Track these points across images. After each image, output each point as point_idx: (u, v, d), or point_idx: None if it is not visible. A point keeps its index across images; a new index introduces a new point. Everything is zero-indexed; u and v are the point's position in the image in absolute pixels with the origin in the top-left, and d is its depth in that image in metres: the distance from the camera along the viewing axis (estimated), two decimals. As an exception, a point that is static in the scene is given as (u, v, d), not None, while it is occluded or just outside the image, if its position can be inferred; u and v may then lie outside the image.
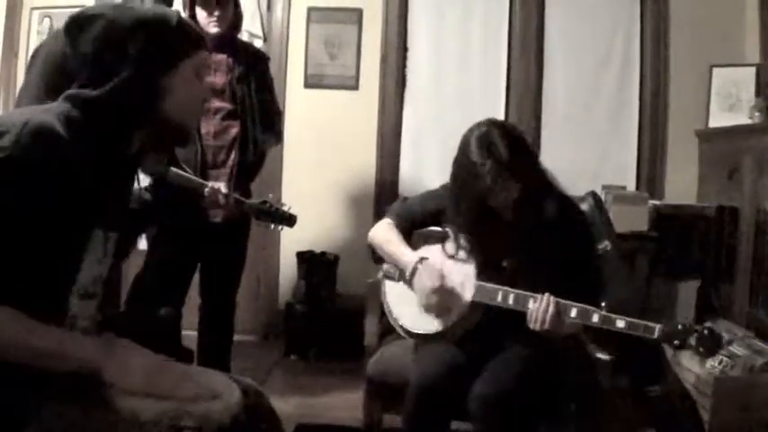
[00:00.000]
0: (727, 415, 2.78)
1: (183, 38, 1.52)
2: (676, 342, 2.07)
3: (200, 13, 3.06)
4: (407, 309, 2.45)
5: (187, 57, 1.52)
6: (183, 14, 3.07)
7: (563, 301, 2.19)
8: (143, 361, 1.41)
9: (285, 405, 3.23)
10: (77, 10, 1.52)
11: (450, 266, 2.40)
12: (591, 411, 2.39)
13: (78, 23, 1.48)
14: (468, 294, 2.34)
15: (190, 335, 3.29)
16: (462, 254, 2.39)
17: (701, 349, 2.06)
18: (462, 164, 2.32)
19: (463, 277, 2.37)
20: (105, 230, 1.51)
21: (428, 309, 2.38)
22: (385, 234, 2.55)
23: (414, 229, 2.54)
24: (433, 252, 2.46)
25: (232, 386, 1.50)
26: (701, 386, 2.90)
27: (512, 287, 2.28)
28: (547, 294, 2.19)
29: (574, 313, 2.18)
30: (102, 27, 1.45)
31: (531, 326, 2.19)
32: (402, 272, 2.47)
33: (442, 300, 2.35)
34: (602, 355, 2.41)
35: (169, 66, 1.49)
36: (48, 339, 1.31)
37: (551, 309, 2.17)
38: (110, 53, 1.44)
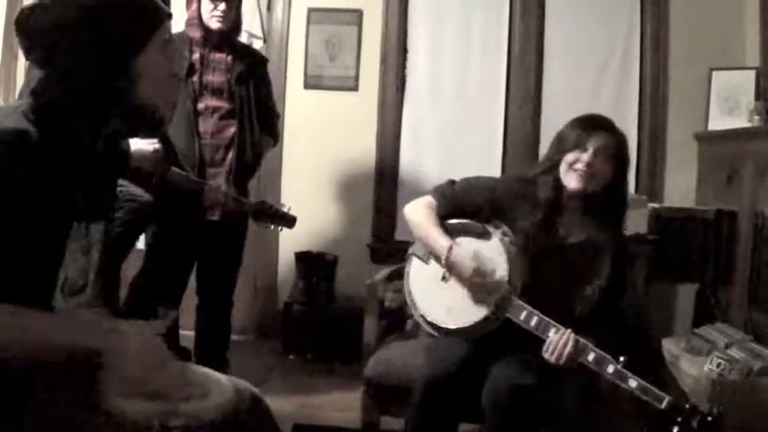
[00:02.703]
0: (725, 418, 2.78)
1: (142, 16, 1.45)
2: (679, 419, 2.04)
3: (206, 6, 3.06)
4: (429, 296, 2.43)
5: (151, 35, 1.44)
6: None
7: (583, 341, 2.16)
8: (143, 352, 1.37)
9: (283, 405, 3.22)
10: (27, 3, 1.44)
11: (486, 262, 2.36)
12: (590, 413, 2.39)
13: (30, 15, 1.41)
14: (491, 303, 2.30)
15: (187, 334, 3.30)
16: (502, 254, 2.34)
17: None
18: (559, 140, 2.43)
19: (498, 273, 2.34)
20: (87, 222, 1.48)
21: (472, 286, 2.32)
22: (424, 213, 2.47)
23: (456, 216, 2.47)
24: (468, 246, 2.40)
25: (224, 385, 1.49)
26: (699, 389, 2.90)
27: (542, 299, 2.26)
28: (569, 331, 2.17)
29: (590, 358, 2.15)
30: (57, 16, 1.38)
31: (546, 356, 2.18)
32: (434, 255, 2.43)
33: (481, 282, 2.31)
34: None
35: (134, 47, 1.43)
36: (43, 322, 1.30)
37: (569, 347, 2.15)
38: (65, 46, 1.38)
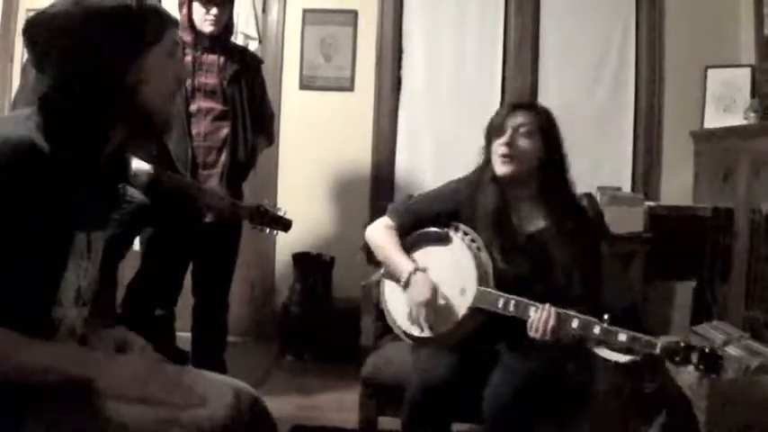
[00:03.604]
0: (723, 416, 2.78)
1: (149, 22, 1.44)
2: (677, 359, 2.05)
3: (198, 10, 3.05)
4: (405, 310, 2.43)
5: (157, 42, 1.44)
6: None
7: (564, 311, 2.16)
8: (133, 368, 1.40)
9: (281, 406, 3.22)
10: (33, 12, 1.45)
11: (451, 272, 2.37)
12: (588, 412, 2.39)
13: (34, 26, 1.41)
14: (466, 303, 2.31)
15: (184, 336, 3.29)
16: (469, 255, 2.36)
17: (701, 367, 2.05)
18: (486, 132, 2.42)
19: (464, 282, 2.34)
20: (89, 232, 1.47)
21: (418, 319, 2.35)
22: (382, 237, 2.51)
23: (415, 229, 2.50)
24: (433, 255, 2.43)
25: (224, 390, 1.49)
26: (697, 387, 2.90)
27: (518, 290, 2.27)
28: (548, 305, 2.17)
29: (575, 324, 2.16)
30: (60, 25, 1.38)
31: (532, 335, 2.17)
32: (397, 278, 2.45)
33: (432, 311, 2.32)
34: (618, 358, 2.39)
35: (138, 54, 1.42)
36: (36, 354, 1.30)
37: (552, 321, 2.15)
38: (72, 51, 1.38)
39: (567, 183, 2.43)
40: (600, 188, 4.01)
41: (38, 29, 1.41)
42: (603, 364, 2.52)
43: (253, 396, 1.56)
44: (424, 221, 2.49)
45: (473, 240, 2.38)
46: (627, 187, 4.37)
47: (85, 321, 1.52)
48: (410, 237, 2.49)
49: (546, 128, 2.38)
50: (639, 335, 2.10)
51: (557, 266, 2.31)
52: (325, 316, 4.21)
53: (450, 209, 2.46)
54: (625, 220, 3.75)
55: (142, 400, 1.35)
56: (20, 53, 4.57)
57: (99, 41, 1.38)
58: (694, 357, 2.04)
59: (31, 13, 1.46)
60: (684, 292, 4.00)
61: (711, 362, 2.05)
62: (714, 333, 3.20)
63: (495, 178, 2.39)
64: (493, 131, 2.40)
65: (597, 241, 2.44)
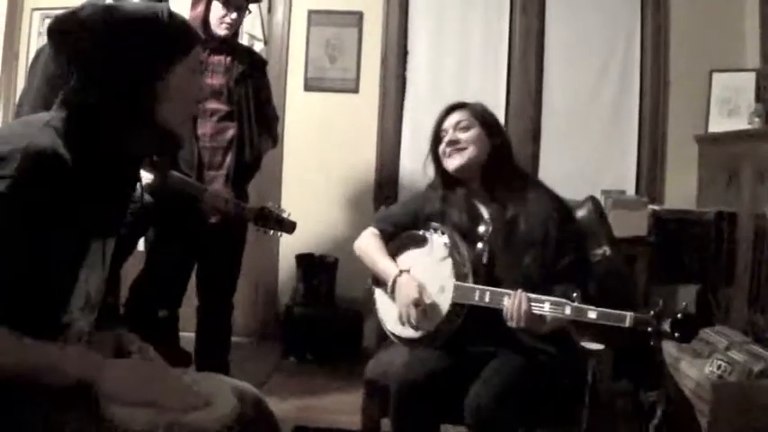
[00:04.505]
0: (726, 421, 2.78)
1: (176, 38, 1.44)
2: (649, 329, 2.04)
3: (216, 11, 3.02)
4: (395, 314, 2.45)
5: (181, 58, 1.44)
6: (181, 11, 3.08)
7: (535, 296, 2.18)
8: (134, 370, 1.40)
9: (284, 407, 3.23)
10: (60, 12, 1.44)
11: (431, 271, 2.40)
12: (587, 416, 2.39)
13: (61, 27, 1.41)
14: (447, 300, 2.33)
15: (188, 337, 3.29)
16: (442, 252, 2.39)
17: (676, 334, 2.03)
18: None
19: (443, 280, 2.36)
20: (103, 239, 1.48)
21: (408, 320, 2.36)
22: (367, 245, 2.57)
23: (397, 233, 2.55)
24: (414, 257, 2.47)
25: (228, 392, 1.49)
26: (700, 391, 2.90)
27: (493, 281, 2.29)
28: (519, 291, 2.18)
29: (547, 307, 2.17)
30: (89, 30, 1.38)
31: (509, 323, 2.19)
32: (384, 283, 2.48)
33: (420, 312, 2.34)
34: (592, 345, 2.39)
35: (163, 70, 1.42)
36: (39, 355, 1.30)
37: (524, 305, 2.16)
38: (100, 57, 1.37)
39: (515, 166, 2.53)
40: (604, 191, 4.01)
41: (67, 31, 1.40)
42: (596, 366, 2.52)
43: (256, 397, 1.57)
44: (403, 225, 2.55)
45: (448, 238, 2.40)
46: (631, 191, 4.37)
47: (92, 326, 1.52)
48: (392, 242, 2.55)
49: (482, 117, 2.50)
50: (609, 310, 2.09)
51: (529, 250, 2.32)
52: (328, 317, 4.22)
53: (420, 212, 2.53)
54: (629, 224, 3.75)
55: (144, 403, 1.35)
56: (25, 52, 4.59)
57: (127, 50, 1.37)
58: (666, 326, 2.03)
59: (58, 13, 1.45)
60: (688, 295, 3.99)
61: (686, 327, 2.02)
62: (717, 337, 3.19)
63: (448, 175, 2.47)
64: (435, 138, 2.51)
65: (561, 216, 2.42)
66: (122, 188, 1.58)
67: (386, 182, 4.51)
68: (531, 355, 2.29)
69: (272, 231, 3.10)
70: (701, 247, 3.90)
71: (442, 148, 2.46)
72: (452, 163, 2.44)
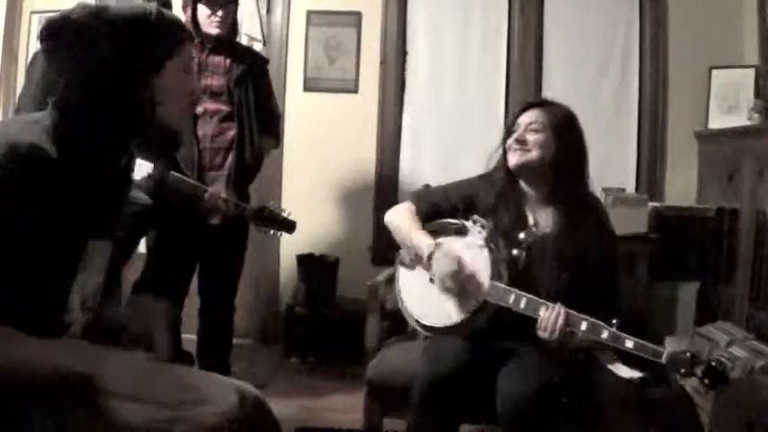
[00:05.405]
0: (727, 417, 2.78)
1: (165, 36, 1.44)
2: (683, 370, 2.04)
3: (203, 12, 3.03)
4: (420, 299, 2.43)
5: (173, 56, 1.44)
6: (172, 10, 3.07)
7: (574, 313, 2.16)
8: (135, 365, 1.40)
9: (285, 408, 3.22)
10: (51, 16, 1.44)
11: (468, 257, 2.37)
12: (594, 414, 2.38)
13: (52, 30, 1.41)
14: (486, 283, 2.31)
15: (190, 338, 3.29)
16: (484, 248, 2.35)
17: (705, 381, 2.03)
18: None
19: (480, 271, 2.34)
20: (100, 240, 1.48)
21: (448, 291, 2.33)
22: (403, 218, 2.53)
23: (433, 218, 2.52)
24: (449, 242, 2.43)
25: (228, 390, 1.48)
26: (701, 388, 2.90)
27: (524, 289, 2.27)
28: (558, 304, 2.17)
29: (584, 327, 2.16)
30: (81, 30, 1.38)
31: (540, 334, 2.18)
32: (418, 257, 2.43)
33: (461, 284, 2.32)
34: (622, 370, 2.39)
35: (154, 69, 1.42)
36: (38, 350, 1.30)
37: (561, 320, 2.15)
38: (91, 57, 1.38)
39: (580, 182, 2.49)
40: (604, 189, 4.00)
41: (58, 32, 1.40)
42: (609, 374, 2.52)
43: (257, 397, 1.56)
44: (442, 211, 2.52)
45: (489, 235, 2.38)
46: (631, 188, 4.37)
47: (89, 326, 1.52)
48: (428, 226, 2.50)
49: (557, 124, 2.44)
50: (646, 343, 2.09)
51: (569, 267, 2.32)
52: (329, 317, 4.21)
53: (468, 200, 2.50)
54: (629, 221, 3.74)
55: (144, 398, 1.34)
56: (24, 53, 4.60)
57: (117, 50, 1.38)
58: (699, 371, 2.03)
59: (49, 15, 1.45)
60: (689, 292, 4.00)
61: (716, 377, 2.03)
62: (718, 334, 3.19)
63: (509, 171, 2.45)
64: (507, 128, 2.49)
65: (610, 244, 2.45)
66: (115, 188, 1.57)
67: (385, 181, 4.51)
68: (554, 357, 2.26)
69: (272, 231, 3.10)
70: (702, 243, 3.90)
71: (509, 141, 2.44)
72: (513, 159, 2.42)
